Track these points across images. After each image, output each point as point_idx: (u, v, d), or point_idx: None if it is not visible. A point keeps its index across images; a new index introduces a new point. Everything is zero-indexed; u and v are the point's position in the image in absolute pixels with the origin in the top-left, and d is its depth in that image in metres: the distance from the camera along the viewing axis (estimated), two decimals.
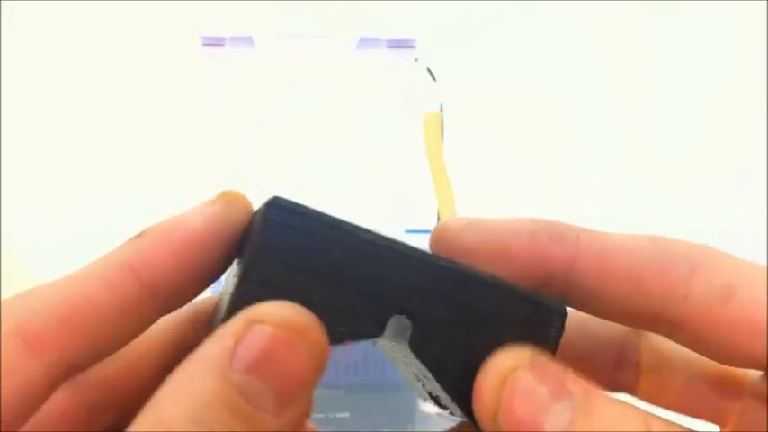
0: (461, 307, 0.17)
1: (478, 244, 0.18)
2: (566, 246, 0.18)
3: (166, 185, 0.56)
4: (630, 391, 0.21)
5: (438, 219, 0.50)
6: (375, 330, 0.17)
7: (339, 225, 0.17)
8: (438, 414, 0.35)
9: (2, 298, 0.16)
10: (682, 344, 0.18)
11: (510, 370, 0.16)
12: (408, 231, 0.46)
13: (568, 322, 0.18)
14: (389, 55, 0.42)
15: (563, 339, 0.19)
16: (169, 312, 0.18)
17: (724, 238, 0.21)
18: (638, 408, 0.16)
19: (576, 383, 0.16)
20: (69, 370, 0.17)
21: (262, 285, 0.17)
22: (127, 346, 0.18)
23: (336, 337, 0.17)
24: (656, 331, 0.18)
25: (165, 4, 0.64)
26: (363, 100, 0.44)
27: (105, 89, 0.65)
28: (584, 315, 0.20)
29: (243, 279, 0.17)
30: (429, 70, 0.45)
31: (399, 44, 0.42)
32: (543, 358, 0.17)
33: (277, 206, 0.17)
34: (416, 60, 0.43)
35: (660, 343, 0.20)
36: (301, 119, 0.44)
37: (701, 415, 0.20)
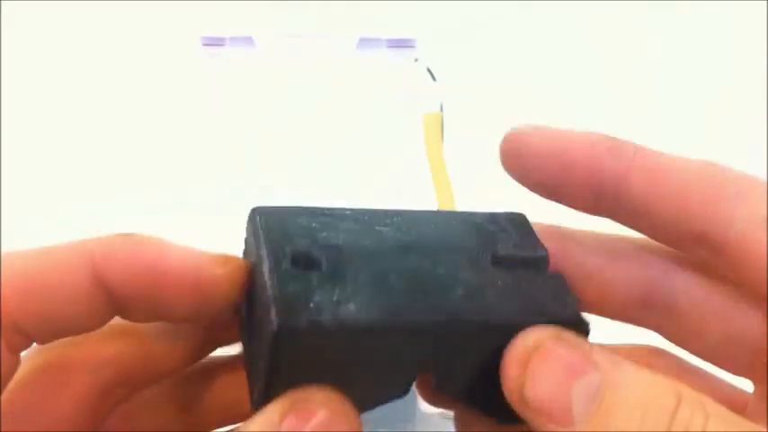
0: (477, 350, 0.17)
1: (543, 146, 0.19)
2: (622, 158, 0.18)
3: (166, 185, 0.56)
4: (660, 331, 0.20)
5: None
6: (400, 394, 0.18)
7: (347, 326, 0.16)
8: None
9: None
10: (722, 269, 0.18)
11: (535, 345, 0.16)
12: None
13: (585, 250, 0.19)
14: (389, 55, 0.42)
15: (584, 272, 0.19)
16: (125, 317, 0.18)
17: None
18: (668, 379, 0.16)
19: (604, 356, 0.16)
20: (23, 339, 0.17)
21: (287, 381, 0.16)
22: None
23: (364, 407, 0.17)
24: (697, 254, 0.18)
25: (165, 4, 0.64)
26: (363, 100, 0.44)
27: (105, 89, 0.65)
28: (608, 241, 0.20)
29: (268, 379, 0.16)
30: (429, 70, 0.45)
31: (399, 44, 0.42)
32: (569, 334, 0.17)
33: (284, 329, 0.16)
34: (416, 60, 0.43)
35: (698, 289, 0.20)
36: (301, 119, 0.44)
37: (733, 369, 0.19)
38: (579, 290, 0.19)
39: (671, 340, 0.20)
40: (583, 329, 0.17)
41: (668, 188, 0.18)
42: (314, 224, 0.18)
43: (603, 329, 0.20)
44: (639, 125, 0.65)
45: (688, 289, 0.19)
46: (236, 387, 0.21)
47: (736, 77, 0.67)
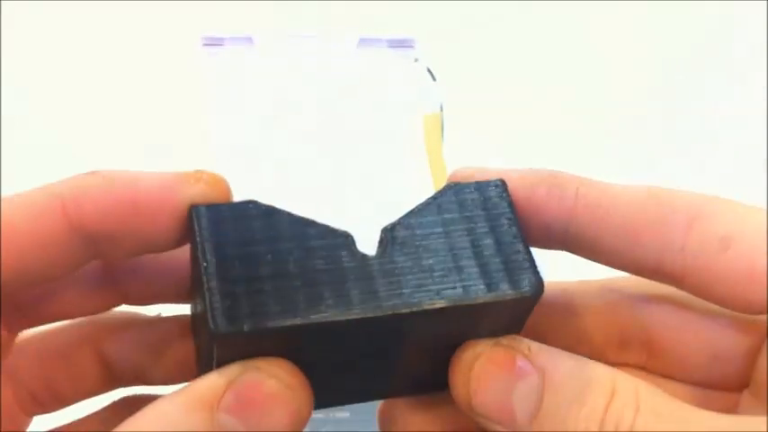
0: (429, 336, 0.17)
1: None
2: (564, 198, 0.18)
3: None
4: (645, 368, 0.20)
5: None
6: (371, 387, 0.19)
7: (283, 329, 0.16)
8: None
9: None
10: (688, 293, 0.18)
11: (473, 359, 0.17)
12: None
13: (554, 302, 0.19)
14: (389, 55, 0.42)
15: (557, 325, 0.19)
16: (104, 258, 0.18)
17: None
18: (607, 371, 0.16)
19: (543, 354, 0.16)
20: None
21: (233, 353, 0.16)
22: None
23: (332, 399, 0.18)
24: (661, 281, 0.18)
25: (165, 4, 0.64)
26: (363, 100, 0.44)
27: (105, 89, 0.65)
28: (571, 297, 0.20)
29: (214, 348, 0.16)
30: (429, 70, 0.45)
31: (399, 44, 0.42)
32: (508, 340, 0.17)
33: (220, 334, 0.15)
34: (416, 60, 0.43)
35: (671, 317, 0.19)
36: (301, 119, 0.44)
37: (725, 388, 0.19)
38: (554, 339, 0.18)
39: (657, 374, 0.20)
40: (534, 297, 0.17)
41: (616, 223, 0.17)
42: (260, 226, 0.17)
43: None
44: (639, 125, 0.65)
45: (661, 319, 0.19)
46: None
47: (736, 77, 0.67)
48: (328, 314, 0.16)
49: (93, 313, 0.19)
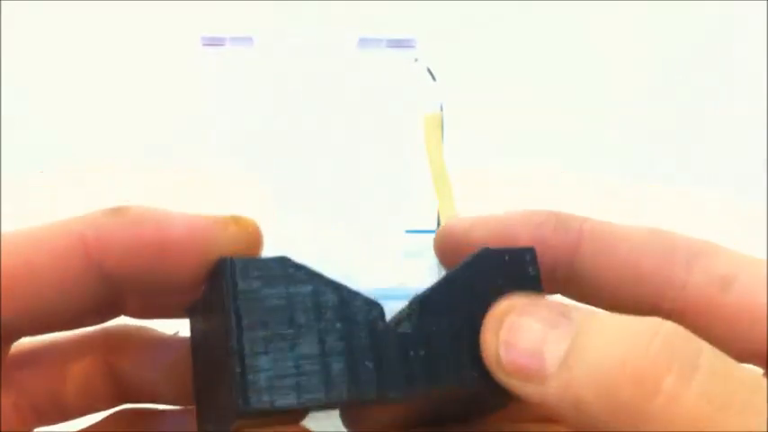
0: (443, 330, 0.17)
1: (487, 241, 0.18)
2: (568, 234, 0.18)
3: (166, 185, 0.56)
4: None
5: (438, 218, 0.50)
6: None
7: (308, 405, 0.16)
8: None
9: None
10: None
11: (504, 313, 0.16)
12: (408, 231, 0.45)
13: None
14: (389, 55, 0.42)
15: None
16: (123, 298, 0.17)
17: (724, 241, 0.21)
18: (645, 318, 0.15)
19: (578, 309, 0.16)
20: (6, 334, 0.16)
21: None
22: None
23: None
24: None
25: (165, 4, 0.64)
26: (363, 100, 0.44)
27: (105, 89, 0.65)
28: None
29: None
30: (429, 70, 0.45)
31: (399, 44, 0.42)
32: (538, 296, 0.17)
33: (246, 410, 0.15)
34: (416, 60, 0.43)
35: None
36: (301, 119, 0.44)
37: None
38: None
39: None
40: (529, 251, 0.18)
41: (618, 258, 0.18)
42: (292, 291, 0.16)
43: None
44: (640, 125, 0.65)
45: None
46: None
47: (736, 76, 0.67)
48: (358, 393, 0.16)
49: (90, 324, 0.19)
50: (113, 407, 0.19)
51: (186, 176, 0.49)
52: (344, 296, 0.16)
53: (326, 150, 0.45)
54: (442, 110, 0.47)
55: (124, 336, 0.19)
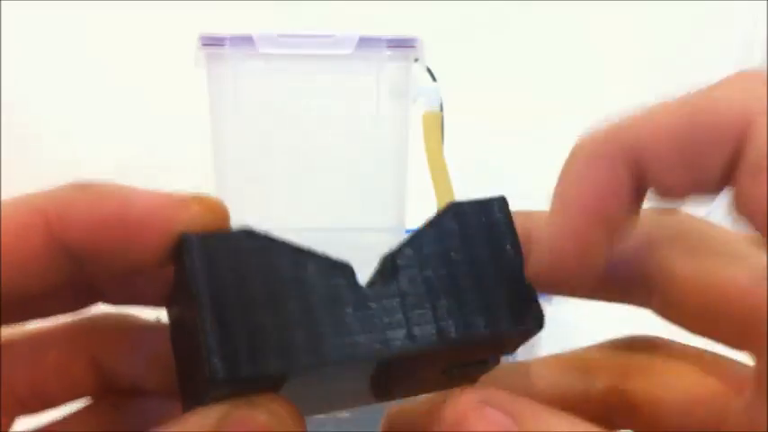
0: (429, 360, 0.17)
1: None
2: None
3: (166, 186, 0.56)
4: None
5: None
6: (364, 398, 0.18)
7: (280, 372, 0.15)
8: None
9: None
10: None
11: (458, 420, 0.16)
12: (408, 231, 0.46)
13: None
14: (389, 55, 0.42)
15: None
16: (87, 275, 0.17)
17: None
18: (593, 425, 0.15)
19: (537, 420, 0.15)
20: None
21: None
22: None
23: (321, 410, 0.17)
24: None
25: (165, 4, 0.64)
26: (363, 100, 0.44)
27: (105, 89, 0.65)
28: None
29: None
30: (429, 70, 0.45)
31: (399, 44, 0.42)
32: (498, 396, 0.16)
33: (218, 379, 0.15)
34: (416, 60, 0.43)
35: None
36: (301, 118, 0.44)
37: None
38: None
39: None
40: (537, 332, 0.17)
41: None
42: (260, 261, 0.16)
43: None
44: None
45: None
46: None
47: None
48: (327, 357, 0.15)
49: (67, 311, 0.18)
50: (96, 396, 0.19)
51: (186, 178, 0.49)
52: (313, 259, 0.16)
53: (326, 150, 0.45)
54: (442, 110, 0.47)
55: (106, 324, 0.19)
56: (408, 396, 0.20)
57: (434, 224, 0.17)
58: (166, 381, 0.18)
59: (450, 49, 0.54)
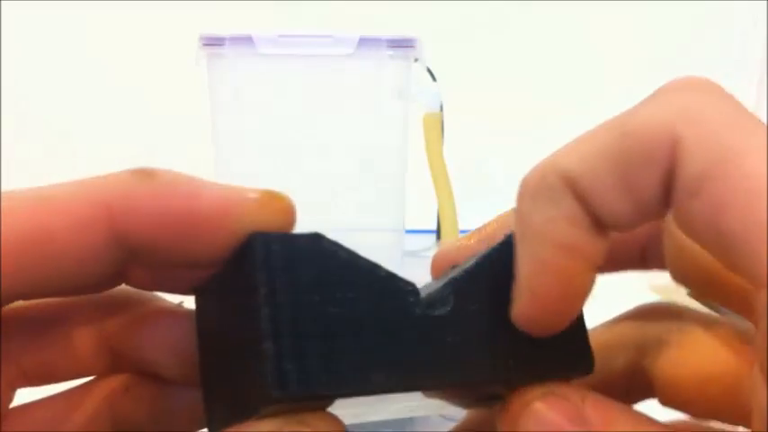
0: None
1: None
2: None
3: None
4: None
5: (438, 218, 0.50)
6: None
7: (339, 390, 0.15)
8: (439, 415, 0.35)
9: None
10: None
11: (525, 404, 0.16)
12: (408, 231, 0.46)
13: None
14: (389, 55, 0.42)
15: None
16: (140, 267, 0.16)
17: None
18: (658, 423, 0.15)
19: (597, 408, 0.15)
20: (14, 297, 0.15)
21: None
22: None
23: None
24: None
25: (165, 4, 0.64)
26: (363, 100, 0.44)
27: (105, 89, 0.65)
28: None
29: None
30: (429, 70, 0.45)
31: (399, 44, 0.42)
32: (560, 388, 0.16)
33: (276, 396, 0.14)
34: (416, 60, 0.43)
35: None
36: (301, 119, 0.44)
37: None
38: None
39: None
40: (584, 371, 0.16)
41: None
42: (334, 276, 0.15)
43: None
44: None
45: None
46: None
47: (735, 76, 0.67)
48: (392, 381, 0.15)
49: (91, 292, 0.17)
50: (106, 375, 0.18)
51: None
52: (381, 276, 0.15)
53: (326, 150, 0.45)
54: (441, 110, 0.47)
55: (122, 302, 0.18)
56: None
57: (491, 255, 0.17)
58: (184, 370, 0.17)
59: (450, 49, 0.54)
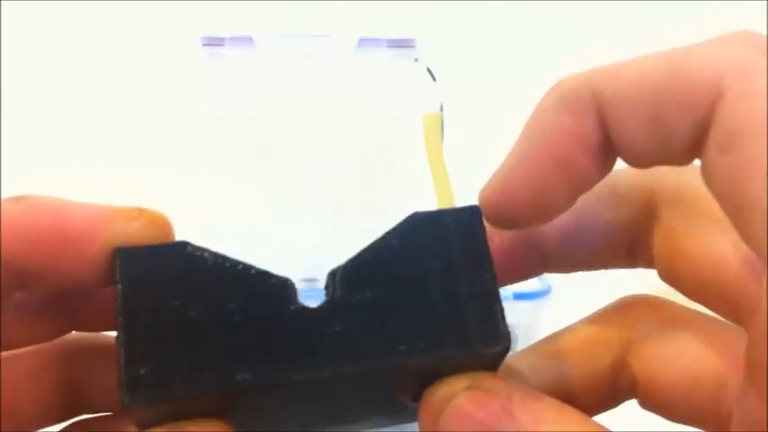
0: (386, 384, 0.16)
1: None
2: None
3: (165, 186, 0.56)
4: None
5: None
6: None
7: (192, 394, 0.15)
8: None
9: None
10: None
11: (446, 399, 0.15)
12: None
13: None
14: (389, 55, 0.42)
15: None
16: (30, 292, 0.16)
17: None
18: (595, 426, 0.14)
19: (526, 404, 0.14)
20: None
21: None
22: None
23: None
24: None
25: (165, 4, 0.64)
26: (363, 100, 0.44)
27: (105, 89, 0.65)
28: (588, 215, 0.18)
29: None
30: (429, 70, 0.45)
31: (399, 44, 0.42)
32: (485, 381, 0.15)
33: (131, 405, 0.14)
34: (416, 60, 0.43)
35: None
36: (301, 119, 0.44)
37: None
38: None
39: (661, 277, 0.18)
40: (503, 348, 0.15)
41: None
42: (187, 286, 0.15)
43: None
44: None
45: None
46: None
47: None
48: (259, 378, 0.14)
49: (40, 342, 0.18)
50: (71, 418, 0.18)
51: (186, 179, 0.49)
52: (251, 275, 0.15)
53: (325, 150, 0.45)
54: (442, 110, 0.47)
55: (80, 347, 0.18)
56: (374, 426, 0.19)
57: (392, 234, 0.17)
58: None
59: (450, 49, 0.54)
